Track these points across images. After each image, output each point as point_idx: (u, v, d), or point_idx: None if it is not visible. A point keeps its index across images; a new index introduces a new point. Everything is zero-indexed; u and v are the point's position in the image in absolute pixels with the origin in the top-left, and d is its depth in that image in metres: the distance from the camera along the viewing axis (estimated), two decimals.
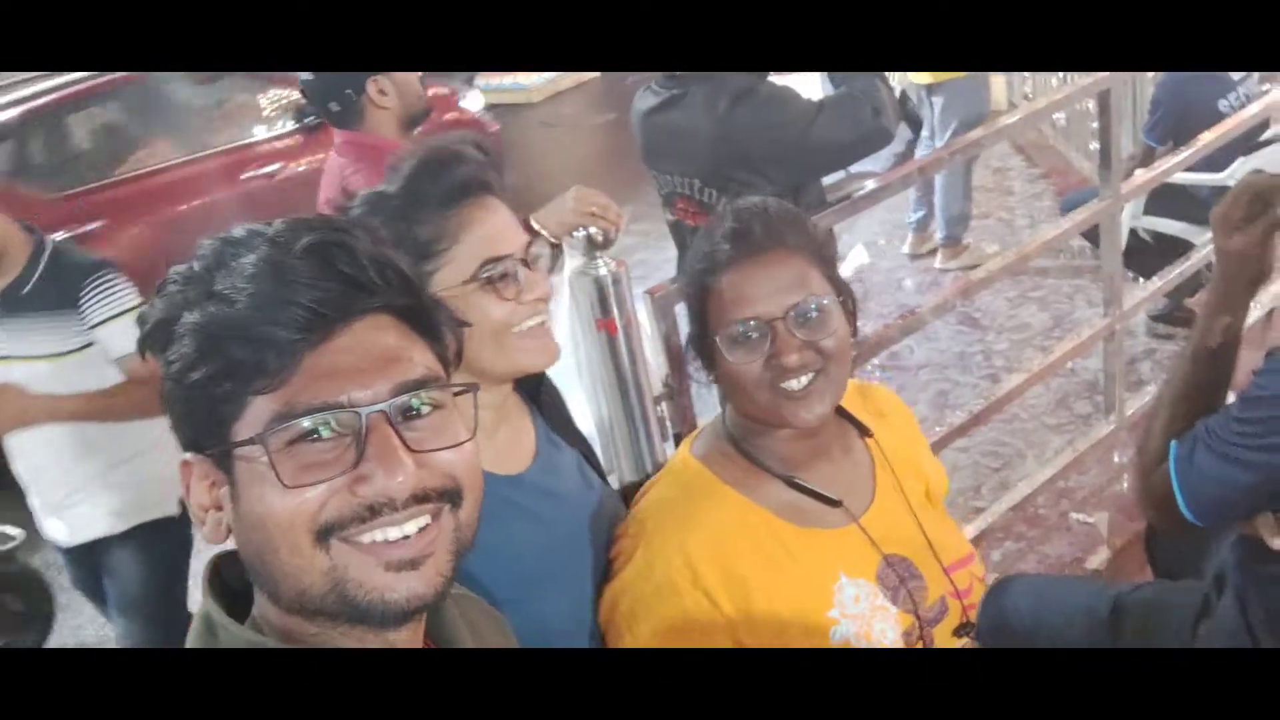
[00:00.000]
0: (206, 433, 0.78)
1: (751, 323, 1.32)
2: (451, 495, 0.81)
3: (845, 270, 5.41)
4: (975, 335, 4.35)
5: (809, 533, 1.38)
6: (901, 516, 1.44)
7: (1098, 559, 2.97)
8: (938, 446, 2.83)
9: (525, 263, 1.34)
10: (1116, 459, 3.30)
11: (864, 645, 1.34)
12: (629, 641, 1.35)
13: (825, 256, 1.38)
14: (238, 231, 0.79)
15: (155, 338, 0.78)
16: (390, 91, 2.39)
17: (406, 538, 0.78)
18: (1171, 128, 3.80)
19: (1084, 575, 2.87)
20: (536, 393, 1.49)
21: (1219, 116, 3.44)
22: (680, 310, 1.79)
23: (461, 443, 0.82)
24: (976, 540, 2.97)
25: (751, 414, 1.37)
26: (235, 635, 0.80)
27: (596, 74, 10.56)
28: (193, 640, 0.81)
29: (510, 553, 1.34)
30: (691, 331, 1.41)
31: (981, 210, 5.47)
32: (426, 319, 0.84)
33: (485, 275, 1.30)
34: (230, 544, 0.82)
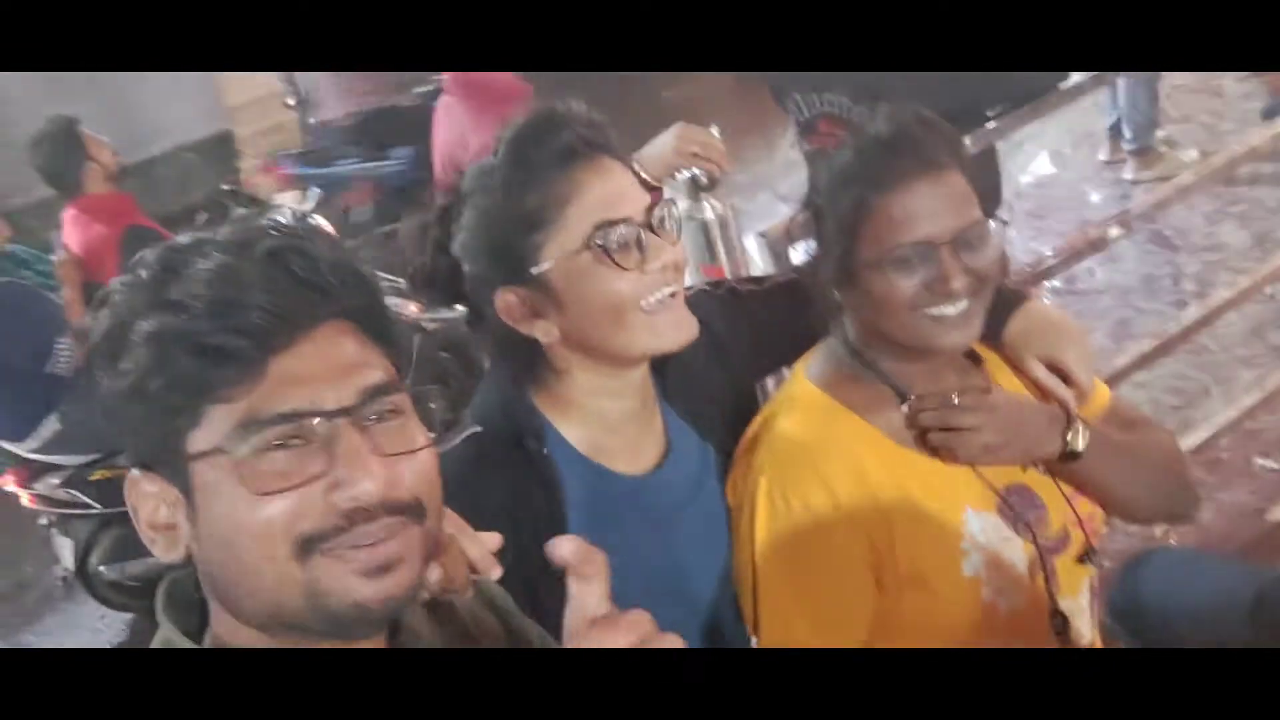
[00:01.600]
0: (158, 447, 0.76)
1: (918, 246, 1.24)
2: (415, 511, 0.79)
3: (1027, 180, 5.09)
4: (1165, 255, 4.02)
5: (934, 463, 1.33)
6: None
7: None
8: (1114, 381, 2.65)
9: (649, 227, 1.20)
10: None
11: (993, 577, 1.33)
12: (771, 587, 1.32)
13: (978, 175, 1.31)
14: (184, 239, 0.77)
15: (103, 350, 0.76)
16: None
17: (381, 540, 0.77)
18: None
19: (1228, 556, 2.64)
20: (662, 372, 1.35)
21: None
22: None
23: (419, 448, 0.79)
24: None
25: (891, 334, 1.30)
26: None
27: None
28: None
29: (625, 562, 1.29)
30: (830, 250, 1.30)
31: (1183, 112, 5.02)
32: (383, 324, 0.81)
33: (599, 242, 1.18)
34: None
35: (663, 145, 1.82)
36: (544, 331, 1.23)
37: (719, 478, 1.39)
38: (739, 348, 1.45)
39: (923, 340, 1.28)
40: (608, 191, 1.19)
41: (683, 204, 1.83)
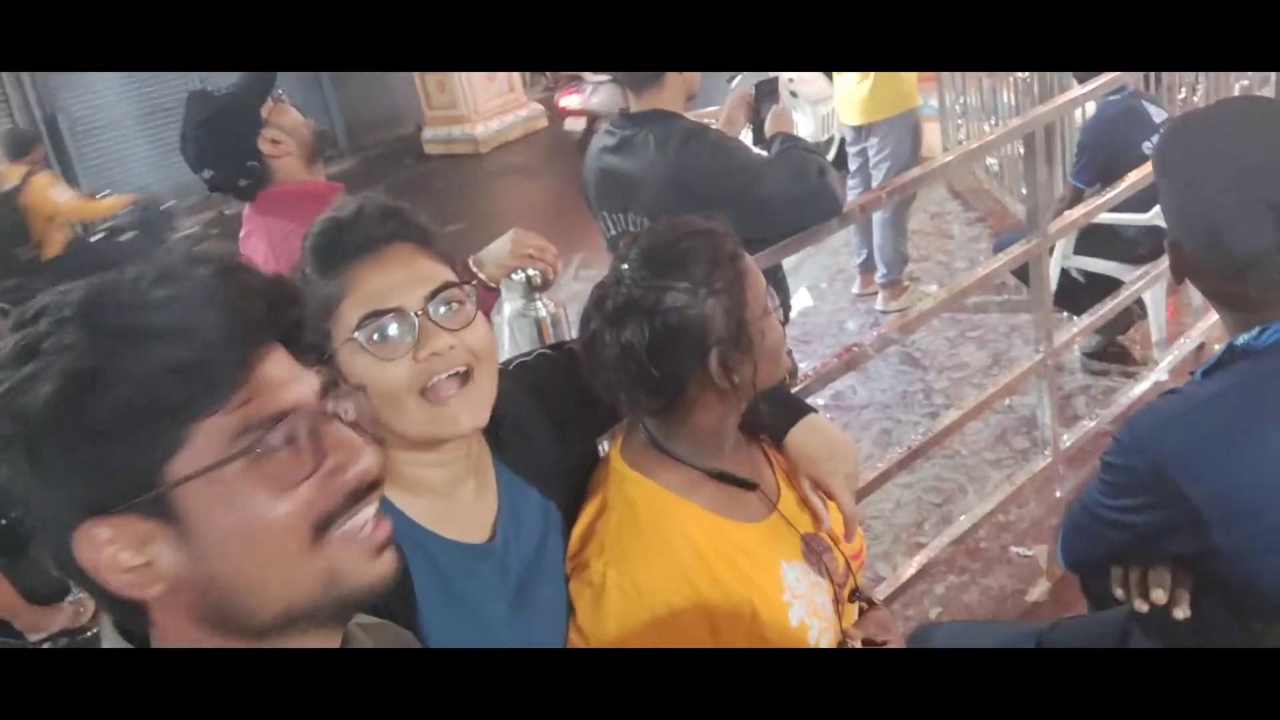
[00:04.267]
0: (126, 485, 0.74)
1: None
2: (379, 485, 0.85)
3: (791, 311, 5.50)
4: (916, 374, 4.43)
5: (748, 527, 1.46)
6: (799, 499, 1.56)
7: (1038, 590, 3.03)
8: (880, 482, 2.88)
9: (425, 314, 1.24)
10: (1056, 493, 3.37)
11: (814, 620, 1.45)
12: None
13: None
14: (109, 276, 0.78)
15: (57, 400, 0.73)
16: (283, 138, 2.33)
17: (369, 521, 0.82)
18: (1098, 170, 3.91)
19: (1005, 620, 2.92)
20: (496, 433, 1.39)
21: (1143, 158, 3.55)
22: None
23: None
24: (920, 574, 3.01)
25: (717, 428, 1.45)
26: None
27: (543, 124, 10.69)
28: None
29: (476, 628, 1.30)
30: (668, 367, 1.38)
31: (921, 253, 5.59)
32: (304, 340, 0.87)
33: (358, 336, 1.22)
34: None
35: (500, 248, 1.93)
36: (342, 409, 1.28)
37: (563, 535, 1.44)
38: (570, 408, 1.51)
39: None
40: (383, 283, 1.24)
41: (518, 303, 1.95)
